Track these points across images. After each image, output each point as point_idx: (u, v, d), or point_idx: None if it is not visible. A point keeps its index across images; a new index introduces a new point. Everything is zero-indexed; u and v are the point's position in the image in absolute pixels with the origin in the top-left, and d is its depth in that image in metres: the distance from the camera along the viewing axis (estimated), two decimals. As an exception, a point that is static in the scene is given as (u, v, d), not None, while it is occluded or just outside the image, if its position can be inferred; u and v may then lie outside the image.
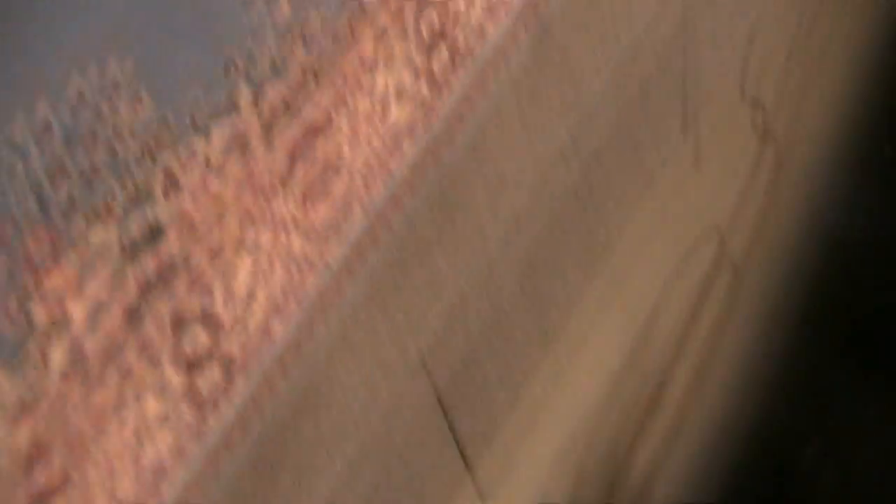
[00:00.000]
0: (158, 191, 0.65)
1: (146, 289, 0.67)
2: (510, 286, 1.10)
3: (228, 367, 0.75)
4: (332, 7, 0.72)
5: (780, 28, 1.58)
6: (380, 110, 0.77)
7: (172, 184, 0.65)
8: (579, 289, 1.27)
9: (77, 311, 0.63)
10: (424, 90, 0.81)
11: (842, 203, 2.01)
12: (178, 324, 0.70)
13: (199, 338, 0.72)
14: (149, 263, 0.66)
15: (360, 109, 0.76)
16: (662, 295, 1.52)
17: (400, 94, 0.79)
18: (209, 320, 0.72)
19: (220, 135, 0.67)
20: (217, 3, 0.64)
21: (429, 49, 0.80)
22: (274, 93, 0.70)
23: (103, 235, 0.62)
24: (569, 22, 0.96)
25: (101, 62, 0.58)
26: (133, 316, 0.67)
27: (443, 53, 0.81)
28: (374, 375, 0.91)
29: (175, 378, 0.71)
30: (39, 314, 0.61)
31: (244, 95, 0.68)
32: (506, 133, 0.95)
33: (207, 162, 0.67)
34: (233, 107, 0.67)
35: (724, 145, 1.54)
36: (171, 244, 0.67)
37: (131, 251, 0.65)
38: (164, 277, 0.67)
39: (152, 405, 0.70)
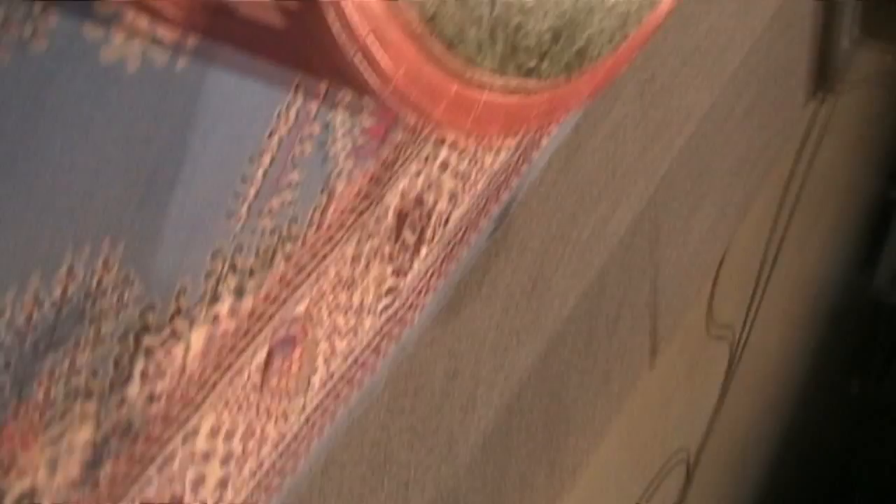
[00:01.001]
0: (137, 372, 0.66)
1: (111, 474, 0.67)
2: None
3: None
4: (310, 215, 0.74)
5: (748, 256, 1.62)
6: (353, 322, 0.80)
7: (153, 366, 0.66)
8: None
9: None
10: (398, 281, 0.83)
11: (804, 429, 2.02)
12: None
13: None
14: (119, 462, 0.67)
15: (338, 321, 0.78)
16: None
17: (376, 286, 0.81)
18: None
19: (202, 323, 0.69)
20: (206, 207, 0.66)
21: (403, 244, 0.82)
22: (257, 284, 0.72)
23: (81, 414, 0.63)
24: (538, 236, 0.99)
25: (94, 241, 0.60)
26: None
27: (412, 243, 0.84)
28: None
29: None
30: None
31: (228, 285, 0.70)
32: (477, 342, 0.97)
33: (187, 348, 0.69)
34: (216, 296, 0.69)
35: (692, 369, 1.56)
36: (142, 432, 0.68)
37: (104, 440, 0.65)
38: (131, 463, 0.68)
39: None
